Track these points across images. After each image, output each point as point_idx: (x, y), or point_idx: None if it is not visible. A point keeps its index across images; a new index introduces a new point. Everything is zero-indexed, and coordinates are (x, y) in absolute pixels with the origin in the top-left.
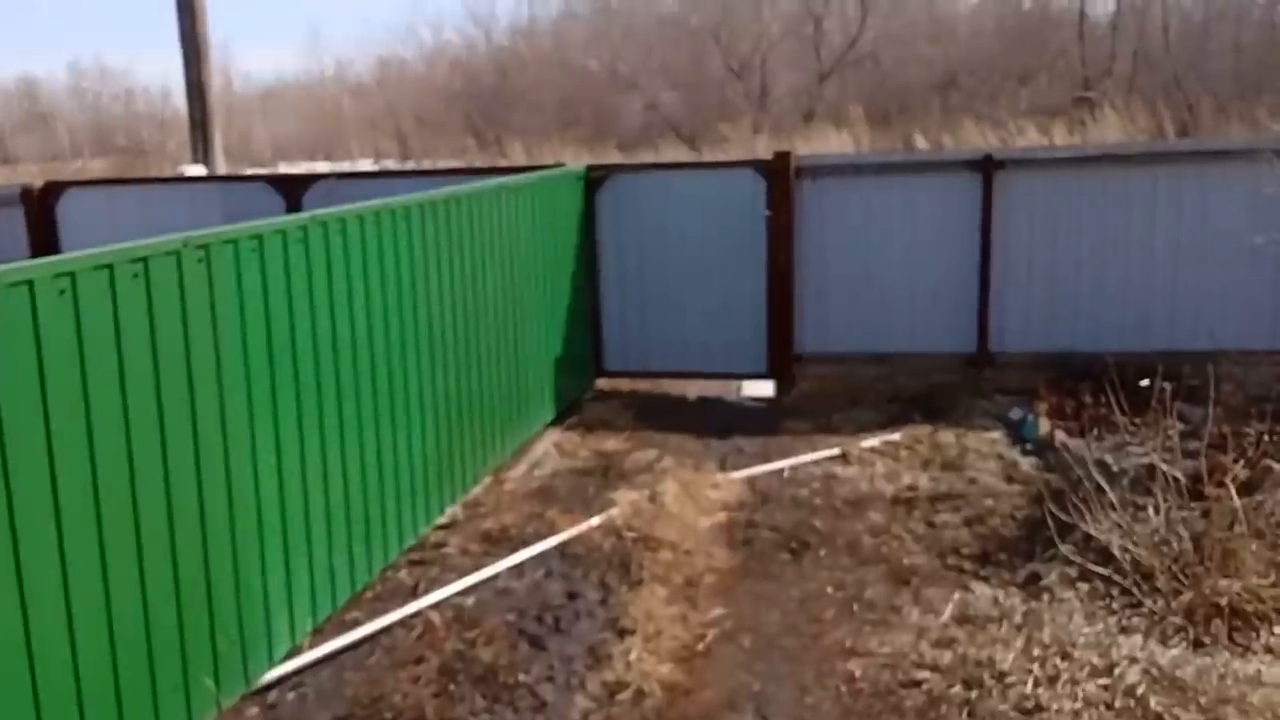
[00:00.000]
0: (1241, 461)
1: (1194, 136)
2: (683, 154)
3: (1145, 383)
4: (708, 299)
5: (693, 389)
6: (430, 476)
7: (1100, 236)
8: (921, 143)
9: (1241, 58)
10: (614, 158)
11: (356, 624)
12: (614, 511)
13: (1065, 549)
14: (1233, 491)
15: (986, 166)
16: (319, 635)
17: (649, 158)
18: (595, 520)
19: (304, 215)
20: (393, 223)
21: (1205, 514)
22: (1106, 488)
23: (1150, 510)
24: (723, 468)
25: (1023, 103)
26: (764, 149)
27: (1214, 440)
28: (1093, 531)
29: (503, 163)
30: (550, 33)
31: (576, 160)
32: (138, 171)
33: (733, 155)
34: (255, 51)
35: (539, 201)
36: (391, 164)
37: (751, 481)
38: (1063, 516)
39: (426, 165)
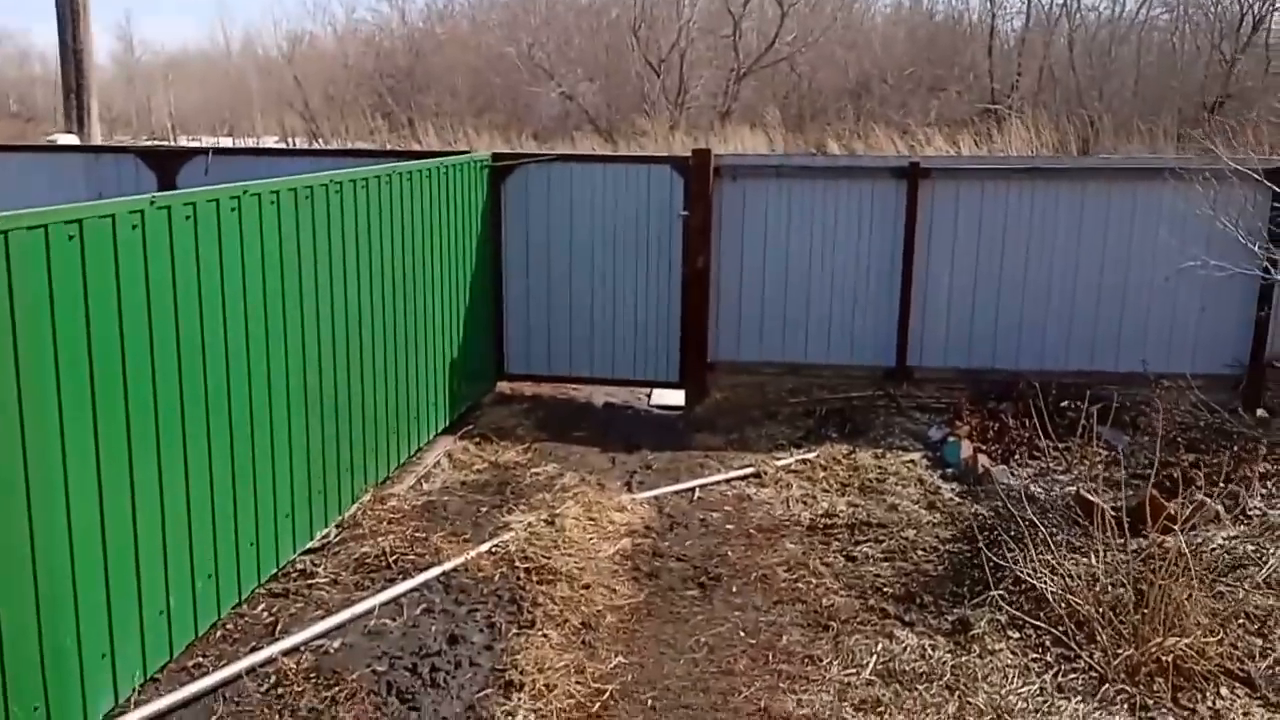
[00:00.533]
0: (1172, 495)
1: (1126, 153)
2: (599, 146)
3: (1073, 405)
4: (618, 300)
5: (599, 395)
6: (298, 494)
7: (1024, 251)
8: (835, 147)
9: (1142, 78)
10: (530, 147)
11: (199, 673)
12: (507, 536)
13: (996, 593)
14: (1179, 535)
15: (912, 174)
16: (154, 686)
17: (565, 148)
18: (485, 547)
19: (143, 198)
20: (257, 207)
21: (1145, 557)
22: (1037, 524)
23: (1087, 554)
24: (629, 487)
25: (932, 113)
26: (681, 146)
27: (1140, 470)
28: (1025, 575)
29: (415, 146)
30: (467, 16)
31: (491, 147)
32: (26, 138)
33: (650, 151)
34: (158, 21)
35: (436, 190)
36: (300, 142)
37: (659, 503)
38: (992, 556)
39: (334, 145)
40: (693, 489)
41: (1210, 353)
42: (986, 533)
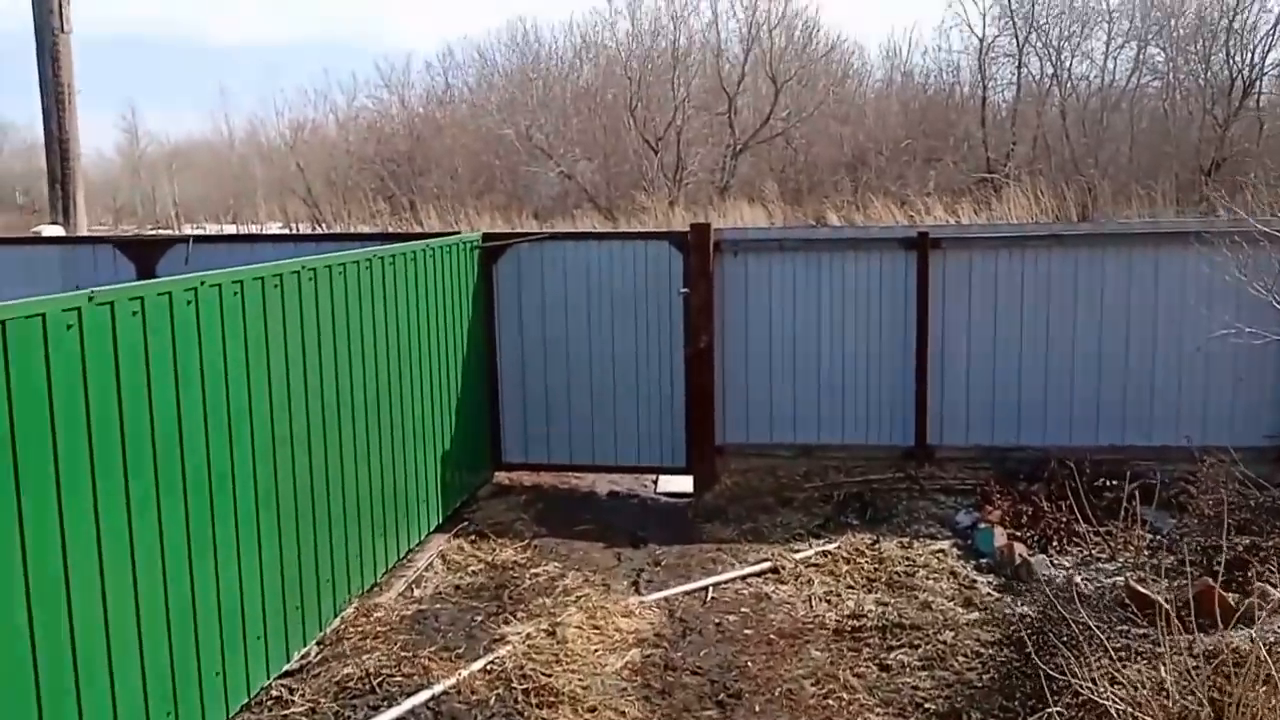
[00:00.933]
0: (1228, 583)
1: (1125, 218)
2: (600, 224)
3: (1108, 484)
4: (619, 383)
5: (603, 483)
6: (272, 612)
7: (1043, 320)
8: (834, 219)
9: (1136, 144)
10: (530, 226)
11: None
12: (504, 651)
13: (1054, 710)
14: (1255, 636)
15: (921, 244)
16: None
17: (565, 226)
18: (479, 664)
19: (81, 294)
20: (218, 298)
21: (1216, 662)
22: (1092, 626)
23: (1149, 658)
24: (636, 587)
25: (930, 183)
26: (680, 221)
27: (1191, 556)
28: (1084, 689)
29: (416, 229)
30: (466, 100)
31: (492, 227)
32: (28, 229)
33: (650, 227)
34: (162, 113)
35: (421, 273)
36: (304, 228)
37: (670, 605)
38: (1043, 666)
39: (337, 229)
40: (705, 588)
41: (1247, 424)
42: (1035, 635)
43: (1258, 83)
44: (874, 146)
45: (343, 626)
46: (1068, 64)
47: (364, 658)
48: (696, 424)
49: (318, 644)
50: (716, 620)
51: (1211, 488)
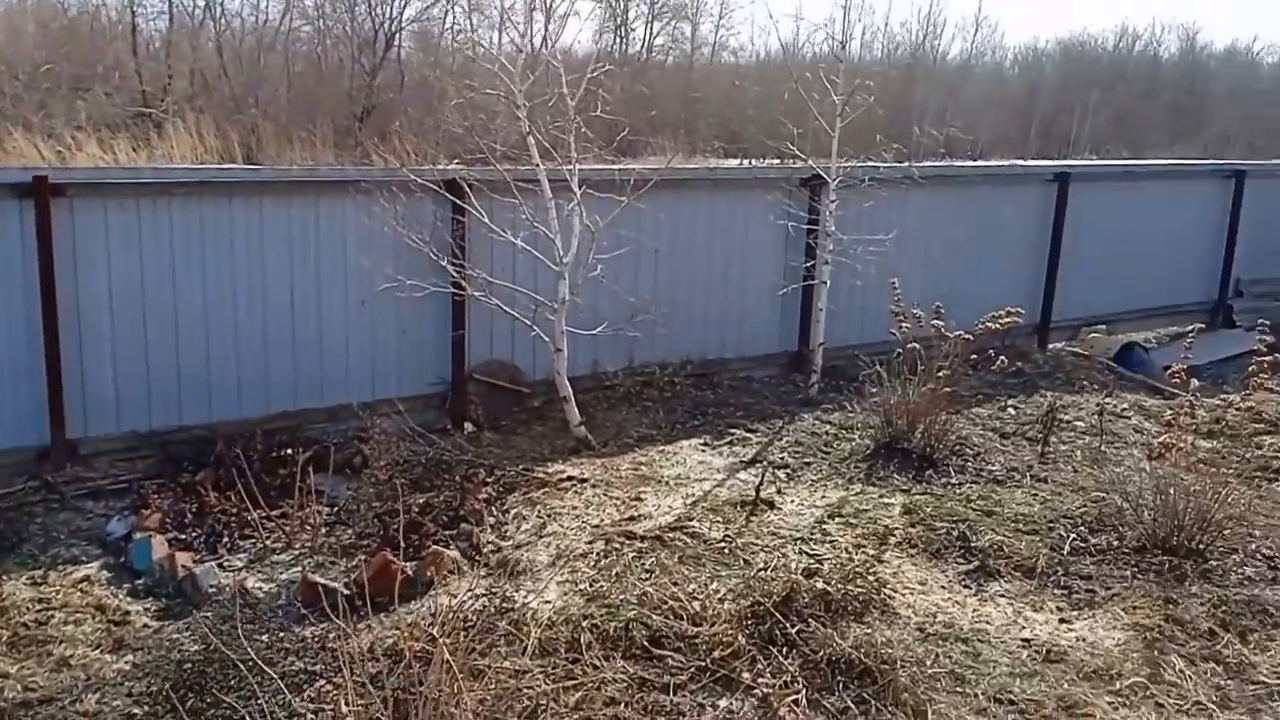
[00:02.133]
0: (409, 549)
1: (290, 162)
2: None
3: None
4: None
5: None
6: None
7: (201, 277)
8: None
9: (295, 87)
10: None
11: None
12: None
13: None
14: (439, 619)
15: (39, 190)
16: None
17: None
18: None
19: None
20: None
21: (395, 657)
22: (257, 660)
23: (331, 677)
24: None
25: (81, 115)
26: None
27: (368, 527)
28: None
29: None
30: None
31: None
32: None
33: None
34: None
35: None
36: None
37: None
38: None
39: None
40: None
41: (416, 373)
42: (195, 679)
43: (397, 35)
44: (8, 70)
45: None
46: None
47: None
48: None
49: None
50: None
51: (384, 448)
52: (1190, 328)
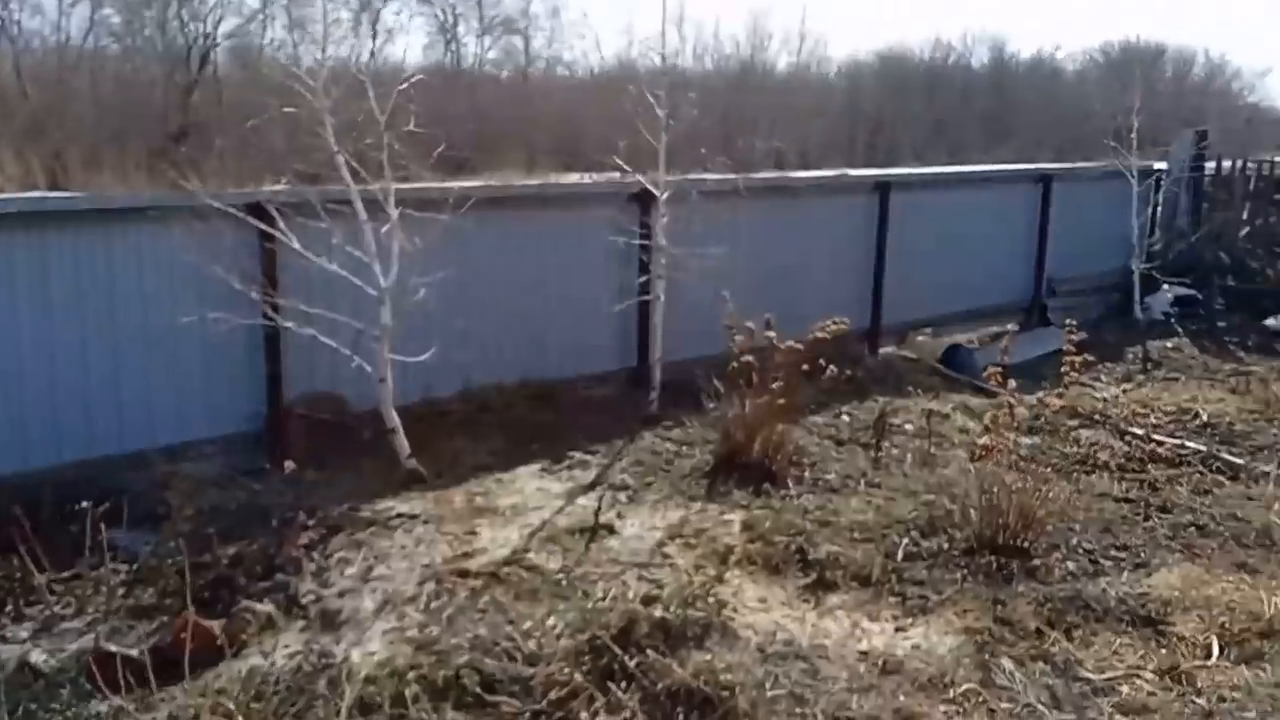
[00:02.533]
0: (218, 605)
1: (99, 187)
2: None
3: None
4: None
5: None
6: None
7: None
8: None
9: (103, 108)
10: None
11: None
12: None
13: None
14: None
15: None
16: None
17: None
18: None
19: None
20: None
21: None
22: None
23: None
24: None
25: None
26: None
27: (171, 585)
28: None
29: None
30: None
31: None
32: None
33: None
34: None
35: None
36: None
37: None
38: None
39: None
40: None
41: (228, 411)
42: None
43: (213, 52)
44: None
45: None
46: (17, 17)
47: None
48: None
49: None
50: None
51: (190, 495)
52: (1007, 327)
